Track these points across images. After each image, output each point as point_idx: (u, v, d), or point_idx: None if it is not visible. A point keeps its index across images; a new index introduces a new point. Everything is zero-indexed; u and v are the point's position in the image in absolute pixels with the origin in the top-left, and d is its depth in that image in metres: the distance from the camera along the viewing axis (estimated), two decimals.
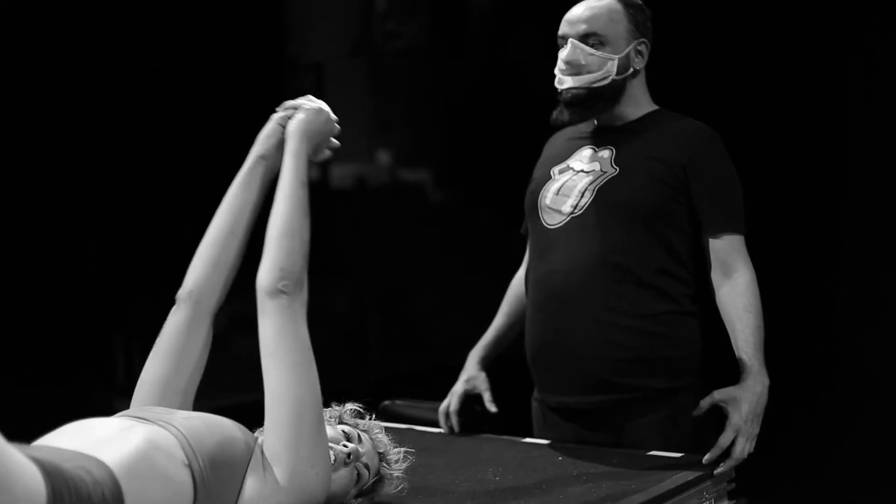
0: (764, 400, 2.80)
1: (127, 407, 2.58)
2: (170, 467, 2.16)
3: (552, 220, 3.07)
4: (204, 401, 6.87)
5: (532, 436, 3.22)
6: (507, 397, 3.31)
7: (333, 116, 2.77)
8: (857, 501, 5.25)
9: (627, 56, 3.01)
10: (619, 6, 3.04)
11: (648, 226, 2.95)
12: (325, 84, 7.84)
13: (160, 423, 2.28)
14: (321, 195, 8.00)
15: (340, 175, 7.98)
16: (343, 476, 2.48)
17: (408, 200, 7.95)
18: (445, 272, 7.30)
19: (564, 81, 3.04)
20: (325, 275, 7.87)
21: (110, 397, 6.87)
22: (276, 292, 2.52)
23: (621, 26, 3.02)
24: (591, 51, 3.00)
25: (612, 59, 3.00)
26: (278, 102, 2.83)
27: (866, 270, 6.15)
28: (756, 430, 2.78)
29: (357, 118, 8.15)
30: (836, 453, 5.64)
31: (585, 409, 3.03)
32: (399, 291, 7.83)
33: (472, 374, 3.33)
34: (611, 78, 3.00)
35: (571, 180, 3.07)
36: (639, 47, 3.04)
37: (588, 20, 3.02)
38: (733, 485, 2.81)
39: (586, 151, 3.10)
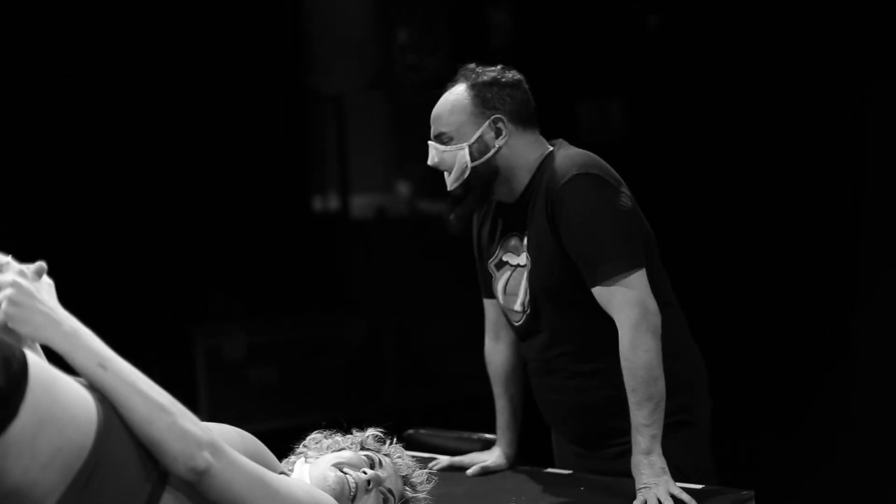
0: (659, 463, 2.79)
1: None
2: None
3: (514, 319, 3.11)
4: None
5: (551, 465, 3.25)
6: (527, 429, 3.33)
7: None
8: None
9: (480, 139, 2.97)
10: (463, 91, 3.00)
11: (579, 303, 2.93)
12: (345, 116, 7.90)
13: None
14: (340, 226, 8.04)
15: (360, 206, 8.02)
16: (368, 503, 2.51)
17: (426, 232, 7.97)
18: (462, 304, 7.31)
19: (447, 183, 3.05)
20: (341, 305, 7.90)
21: None
22: (198, 472, 2.09)
23: (464, 114, 2.98)
24: (445, 148, 2.99)
25: (463, 149, 2.96)
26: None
27: (882, 277, 6.13)
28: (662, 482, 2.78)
29: (376, 150, 8.20)
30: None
31: (600, 457, 3.08)
32: (415, 323, 7.85)
33: (495, 451, 3.30)
34: (469, 167, 2.97)
35: (513, 277, 3.07)
36: (494, 125, 2.98)
37: (435, 120, 3.03)
38: None
39: (513, 241, 3.08)
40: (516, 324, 3.10)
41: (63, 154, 6.67)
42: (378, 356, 7.73)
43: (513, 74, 3.05)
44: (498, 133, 2.99)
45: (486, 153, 2.98)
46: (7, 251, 2.28)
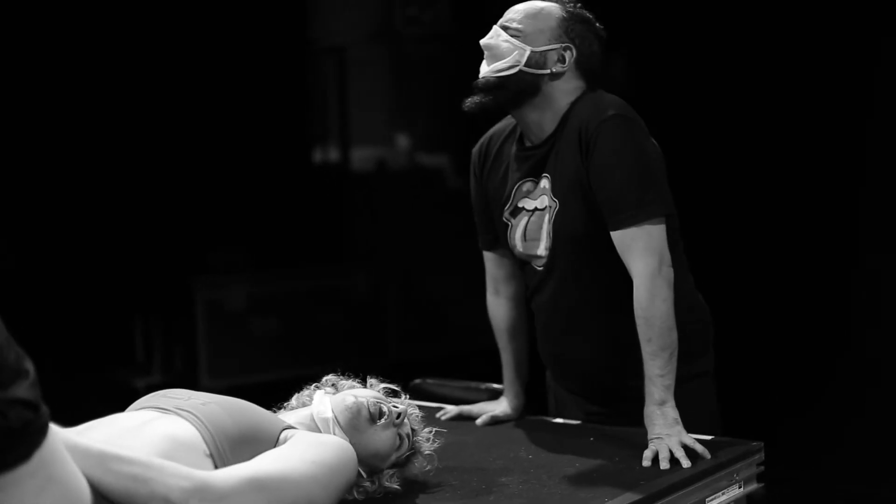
0: (672, 413, 2.79)
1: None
2: (191, 461, 2.17)
3: (538, 264, 3.07)
4: (224, 380, 6.92)
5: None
6: (535, 380, 3.33)
7: None
8: (860, 492, 5.28)
9: (543, 54, 2.95)
10: (557, 10, 3.00)
11: (606, 249, 2.91)
12: (346, 68, 7.87)
13: (179, 411, 2.30)
14: (341, 178, 8.03)
15: (360, 158, 8.01)
16: (388, 437, 2.54)
17: (427, 185, 7.96)
18: (463, 257, 7.31)
19: (482, 69, 3.02)
20: (343, 258, 7.89)
21: (130, 376, 6.91)
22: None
23: (545, 24, 2.97)
24: (507, 37, 2.97)
25: (524, 50, 2.95)
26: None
27: (877, 265, 6.16)
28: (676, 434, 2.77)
29: (377, 103, 8.17)
30: (840, 443, 5.66)
31: (606, 412, 3.08)
32: (417, 276, 7.85)
33: (503, 402, 3.30)
34: (518, 68, 2.95)
35: (532, 222, 3.05)
36: (563, 52, 2.96)
37: (515, 12, 3.01)
38: (762, 468, 2.82)
39: (527, 185, 3.06)
40: (539, 268, 3.08)
41: (67, 110, 6.66)
42: (380, 308, 7.73)
43: (602, 31, 3.05)
44: (561, 60, 2.97)
45: (539, 68, 2.97)
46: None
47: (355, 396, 2.55)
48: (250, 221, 7.41)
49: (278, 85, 7.47)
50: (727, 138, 6.36)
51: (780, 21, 6.17)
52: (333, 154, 8.04)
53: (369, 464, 2.52)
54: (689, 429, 2.83)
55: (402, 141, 8.08)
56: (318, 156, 8.07)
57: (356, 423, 2.50)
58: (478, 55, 3.03)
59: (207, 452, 2.22)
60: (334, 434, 2.48)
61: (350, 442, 2.47)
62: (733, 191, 6.34)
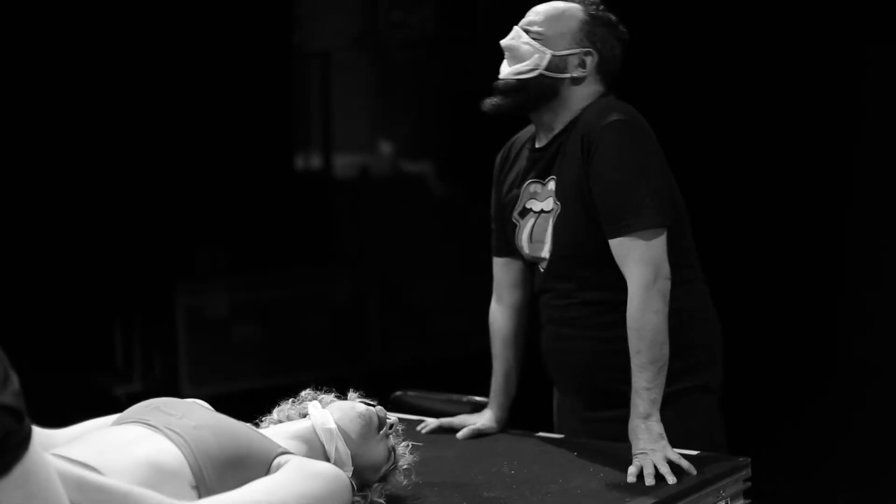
0: (657, 428, 2.75)
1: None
2: (175, 491, 2.11)
3: (542, 266, 3.06)
4: (206, 388, 6.87)
5: (543, 429, 3.20)
6: (520, 394, 3.29)
7: None
8: (856, 498, 5.26)
9: (564, 59, 2.95)
10: (579, 13, 2.99)
11: (606, 254, 2.88)
12: (330, 73, 7.84)
13: (169, 432, 2.22)
14: (324, 184, 8.00)
15: (343, 164, 7.97)
16: (384, 448, 2.51)
17: (410, 192, 7.92)
18: (446, 264, 7.29)
19: (502, 70, 3.01)
20: (325, 264, 7.85)
21: (110, 382, 6.86)
22: None
23: (567, 28, 2.97)
24: (528, 40, 2.96)
25: (545, 54, 2.94)
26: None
27: (866, 266, 6.16)
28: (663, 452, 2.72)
29: (361, 108, 8.14)
30: (835, 449, 5.65)
31: (603, 419, 3.04)
32: (400, 282, 7.81)
33: (486, 414, 3.26)
34: (538, 71, 2.94)
35: (538, 224, 3.03)
36: (584, 56, 2.96)
37: (537, 13, 3.01)
38: (749, 484, 2.78)
39: (534, 186, 3.05)
40: (543, 269, 3.05)
41: (48, 113, 6.62)
42: (363, 314, 7.69)
43: (625, 32, 3.04)
44: (581, 65, 2.97)
45: (559, 72, 2.96)
46: None
47: (366, 405, 2.53)
48: (233, 227, 7.37)
49: (262, 89, 7.44)
50: (717, 145, 6.35)
51: (773, 23, 6.17)
52: (316, 160, 8.01)
53: (364, 477, 2.49)
54: (685, 442, 2.79)
55: (386, 147, 8.05)
56: (301, 161, 8.04)
57: (367, 432, 2.47)
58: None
59: (193, 484, 2.15)
60: (337, 445, 2.44)
61: (353, 453, 2.45)
62: (721, 200, 6.32)
